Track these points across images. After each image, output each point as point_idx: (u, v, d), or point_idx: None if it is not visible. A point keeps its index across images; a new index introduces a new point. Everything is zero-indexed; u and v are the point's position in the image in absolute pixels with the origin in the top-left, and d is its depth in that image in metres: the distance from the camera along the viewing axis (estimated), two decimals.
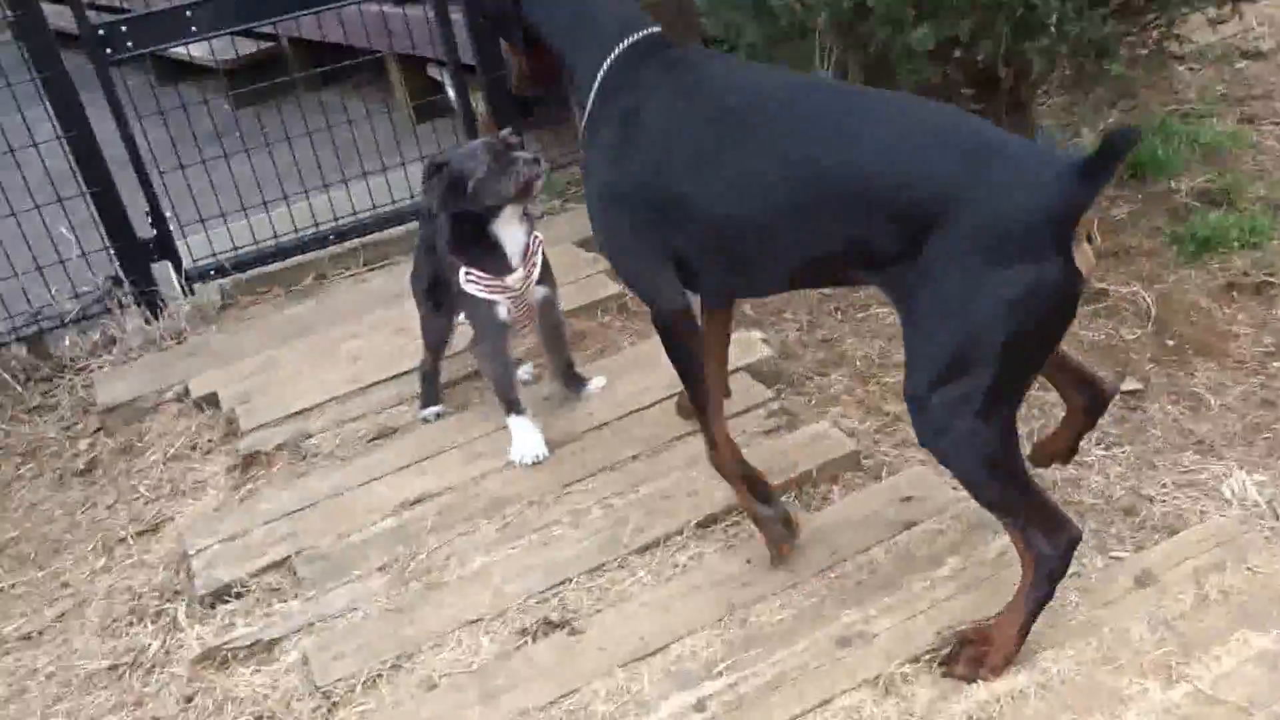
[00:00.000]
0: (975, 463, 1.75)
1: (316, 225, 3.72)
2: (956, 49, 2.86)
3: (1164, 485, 2.37)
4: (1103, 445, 2.53)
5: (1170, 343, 2.89)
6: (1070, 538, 1.80)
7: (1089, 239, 1.68)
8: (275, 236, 3.66)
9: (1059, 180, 1.61)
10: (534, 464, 2.52)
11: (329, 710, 1.98)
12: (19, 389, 3.25)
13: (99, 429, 3.11)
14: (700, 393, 2.10)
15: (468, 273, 2.49)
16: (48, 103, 3.17)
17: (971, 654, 1.87)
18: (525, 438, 2.55)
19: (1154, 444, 2.52)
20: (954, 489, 2.29)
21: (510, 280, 2.51)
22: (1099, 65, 3.01)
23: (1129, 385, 2.73)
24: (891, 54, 2.95)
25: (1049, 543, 1.79)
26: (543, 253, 2.62)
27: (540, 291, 2.61)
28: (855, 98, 1.87)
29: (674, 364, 2.10)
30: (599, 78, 1.97)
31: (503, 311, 2.53)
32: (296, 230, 3.70)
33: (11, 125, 3.22)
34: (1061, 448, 2.16)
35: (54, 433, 3.14)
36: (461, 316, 2.74)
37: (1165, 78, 4.12)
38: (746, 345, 2.89)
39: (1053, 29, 2.68)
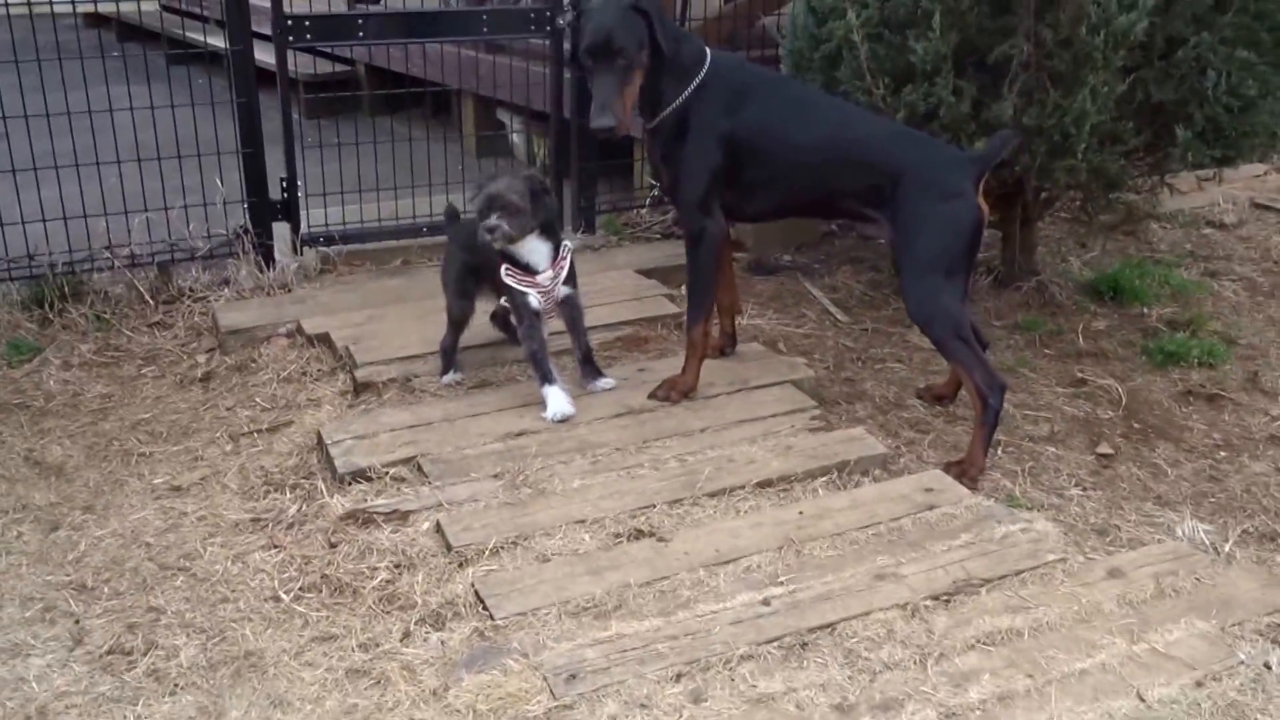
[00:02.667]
0: (945, 328, 2.88)
1: (415, 218, 4.21)
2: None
3: (1129, 520, 2.91)
4: (1081, 488, 3.07)
5: (1137, 426, 3.47)
6: (1001, 385, 2.94)
7: (984, 194, 2.93)
8: (379, 220, 4.14)
9: (969, 161, 2.94)
10: (563, 420, 2.98)
11: (459, 566, 2.38)
12: (149, 301, 3.64)
13: (213, 349, 3.51)
14: (713, 297, 3.19)
15: (507, 269, 3.05)
16: (232, 72, 3.67)
17: (957, 471, 2.91)
18: (557, 400, 3.03)
19: (1122, 492, 3.06)
20: (967, 488, 2.81)
21: (540, 279, 3.06)
22: (1106, 194, 3.69)
23: (1103, 449, 3.30)
24: None
25: (989, 386, 2.89)
26: (571, 260, 3.14)
27: (564, 290, 3.13)
28: (859, 110, 3.25)
29: (701, 274, 3.10)
30: (702, 73, 2.98)
31: (534, 301, 3.06)
32: (397, 219, 4.18)
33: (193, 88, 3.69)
34: (949, 392, 3.36)
35: (171, 346, 3.53)
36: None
37: (1144, 228, 4.88)
38: (792, 365, 3.42)
39: (1079, 156, 3.34)
